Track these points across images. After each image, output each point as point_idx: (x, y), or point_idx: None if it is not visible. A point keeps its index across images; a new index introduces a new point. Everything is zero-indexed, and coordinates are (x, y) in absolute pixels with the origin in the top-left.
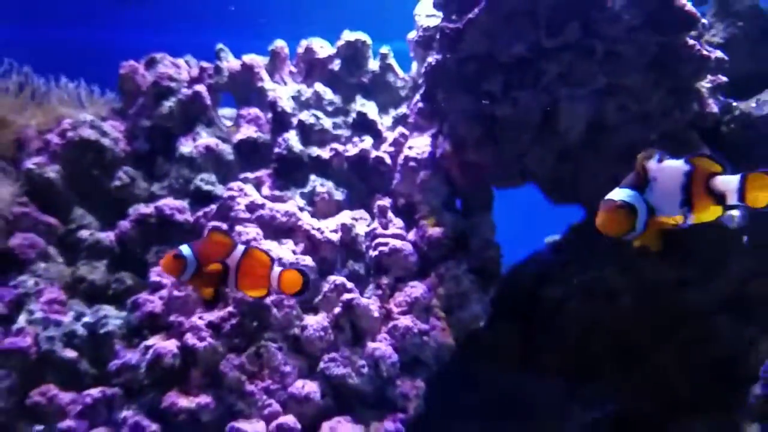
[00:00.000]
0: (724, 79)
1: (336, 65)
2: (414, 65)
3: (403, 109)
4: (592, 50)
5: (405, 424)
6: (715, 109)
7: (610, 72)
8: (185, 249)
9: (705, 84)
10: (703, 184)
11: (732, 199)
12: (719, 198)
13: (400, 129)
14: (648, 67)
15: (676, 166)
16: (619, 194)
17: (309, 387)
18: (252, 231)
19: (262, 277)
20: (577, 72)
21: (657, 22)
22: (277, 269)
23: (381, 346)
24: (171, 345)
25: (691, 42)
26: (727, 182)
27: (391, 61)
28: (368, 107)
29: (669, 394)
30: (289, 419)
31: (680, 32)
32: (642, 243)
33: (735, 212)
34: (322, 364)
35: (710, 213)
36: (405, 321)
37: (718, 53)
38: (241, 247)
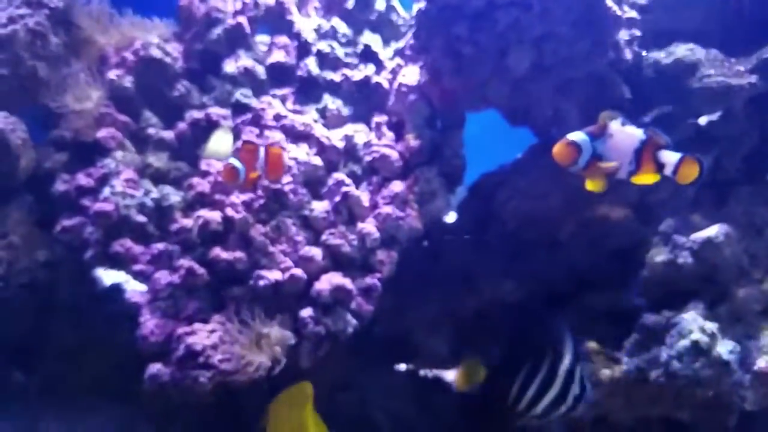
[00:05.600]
0: (639, 33)
1: (350, 4)
2: (415, 5)
3: (401, 43)
4: (531, 7)
5: (380, 281)
6: (629, 56)
7: (545, 23)
8: (236, 162)
9: (624, 36)
10: (652, 153)
11: (668, 171)
12: (660, 167)
13: (398, 60)
14: (575, 21)
15: (635, 132)
16: (574, 135)
17: (314, 251)
18: (277, 135)
19: (279, 164)
20: (521, 22)
21: None
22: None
23: (367, 226)
24: (216, 215)
25: (609, 3)
26: (669, 156)
27: (395, 2)
28: (373, 40)
29: (580, 274)
30: (298, 272)
31: None
32: (591, 184)
33: None
34: (323, 237)
35: (650, 177)
36: (387, 209)
37: (632, 13)
38: (262, 150)
